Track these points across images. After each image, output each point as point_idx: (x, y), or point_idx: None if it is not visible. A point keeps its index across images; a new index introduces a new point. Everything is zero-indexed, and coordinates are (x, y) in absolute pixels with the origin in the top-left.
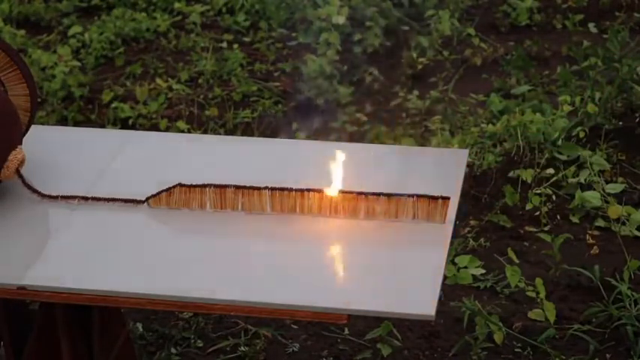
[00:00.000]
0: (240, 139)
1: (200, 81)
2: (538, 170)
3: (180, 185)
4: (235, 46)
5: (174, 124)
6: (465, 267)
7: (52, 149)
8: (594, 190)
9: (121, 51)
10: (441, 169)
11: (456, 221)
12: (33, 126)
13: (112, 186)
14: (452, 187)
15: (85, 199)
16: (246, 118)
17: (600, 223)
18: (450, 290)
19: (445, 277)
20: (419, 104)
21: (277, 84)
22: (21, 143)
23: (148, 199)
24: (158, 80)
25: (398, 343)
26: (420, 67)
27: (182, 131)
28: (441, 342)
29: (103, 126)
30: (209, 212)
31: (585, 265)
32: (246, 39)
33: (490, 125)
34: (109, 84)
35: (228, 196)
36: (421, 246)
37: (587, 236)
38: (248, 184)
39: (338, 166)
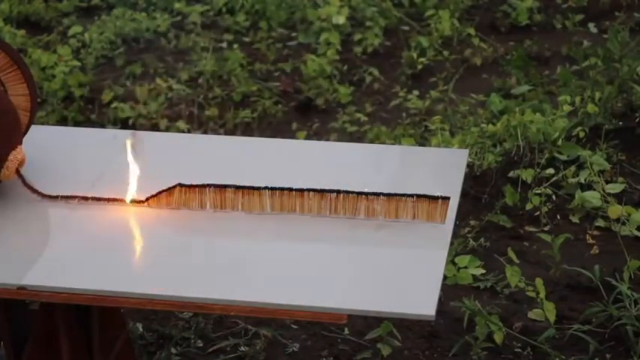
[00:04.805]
0: (240, 139)
1: (200, 81)
2: (538, 170)
3: (180, 185)
4: (235, 46)
5: (174, 124)
6: (465, 267)
7: (52, 149)
8: (594, 190)
9: (121, 51)
10: (441, 169)
11: (456, 221)
12: (33, 126)
13: (112, 186)
14: (452, 187)
15: (85, 199)
16: (246, 118)
17: (600, 223)
18: (450, 290)
19: (445, 277)
20: (419, 104)
21: (277, 84)
22: (21, 143)
23: (148, 199)
24: (158, 80)
25: (398, 343)
26: (420, 67)
27: (182, 131)
28: (441, 342)
29: (103, 126)
30: (209, 212)
31: (585, 265)
32: (246, 39)
33: (490, 125)
34: (109, 84)
35: (228, 196)
36: (421, 246)
37: (587, 236)
38: (248, 184)
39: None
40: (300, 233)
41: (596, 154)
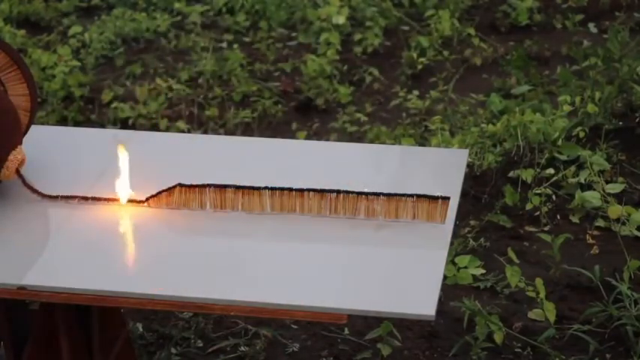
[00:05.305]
0: (240, 139)
1: (200, 81)
2: (538, 170)
3: (180, 185)
4: (235, 46)
5: (174, 124)
6: (465, 267)
7: (52, 149)
8: (594, 190)
9: (121, 51)
10: (441, 169)
11: (456, 221)
12: (33, 126)
13: (112, 186)
14: (452, 187)
15: (85, 199)
16: (246, 118)
17: (600, 223)
18: (450, 290)
19: (445, 277)
20: (419, 104)
21: (277, 84)
22: (21, 143)
23: (147, 199)
24: (158, 80)
25: (398, 343)
26: (420, 67)
27: (182, 131)
28: (441, 342)
29: (103, 126)
30: (209, 212)
31: (585, 265)
32: (246, 39)
33: (490, 125)
34: (109, 84)
35: (228, 196)
36: (421, 246)
37: (587, 236)
38: (248, 184)
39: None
40: (300, 233)
41: (596, 154)
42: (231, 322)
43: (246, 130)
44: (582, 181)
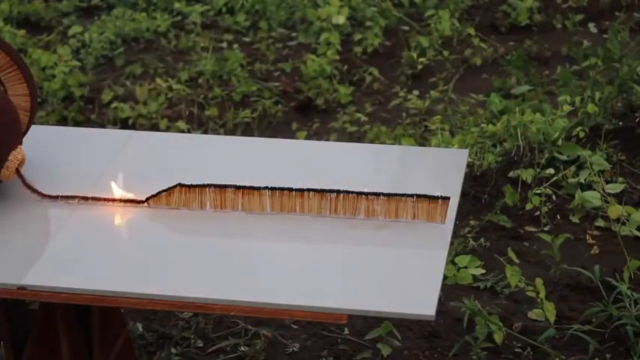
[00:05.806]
0: (240, 139)
1: (200, 81)
2: (538, 170)
3: (180, 185)
4: (235, 46)
5: (174, 124)
6: (465, 267)
7: (52, 149)
8: (594, 190)
9: (121, 51)
10: (441, 169)
11: (456, 221)
12: (33, 126)
13: (112, 186)
14: (452, 187)
15: (85, 199)
16: (246, 118)
17: (600, 223)
18: (450, 290)
19: (445, 277)
20: (419, 104)
21: (277, 84)
22: (21, 143)
23: (148, 199)
24: (158, 80)
25: (398, 343)
26: (420, 67)
27: (182, 131)
28: (441, 342)
29: (103, 126)
30: (209, 212)
31: (585, 265)
32: (246, 39)
33: (490, 125)
34: (109, 84)
35: (228, 196)
36: (421, 246)
37: (587, 236)
38: (248, 184)
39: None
40: (300, 233)
41: (596, 154)
42: (231, 322)
43: (246, 130)
44: (582, 181)
